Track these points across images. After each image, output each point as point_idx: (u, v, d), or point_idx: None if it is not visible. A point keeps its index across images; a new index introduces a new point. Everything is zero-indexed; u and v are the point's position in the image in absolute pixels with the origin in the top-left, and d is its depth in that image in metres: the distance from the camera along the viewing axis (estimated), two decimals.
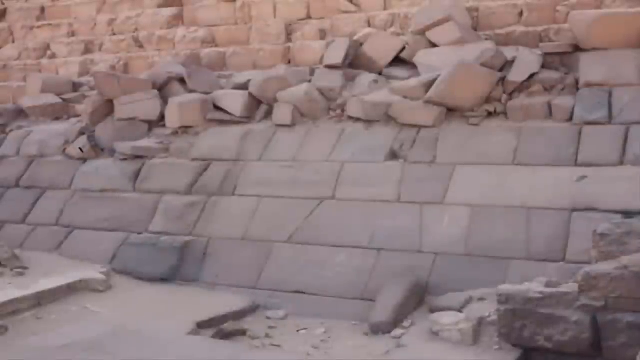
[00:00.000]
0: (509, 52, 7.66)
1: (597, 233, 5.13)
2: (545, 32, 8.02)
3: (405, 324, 5.96)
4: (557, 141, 6.77)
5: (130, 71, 10.59)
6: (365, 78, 8.16)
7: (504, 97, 7.34)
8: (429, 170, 7.06)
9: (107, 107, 9.12)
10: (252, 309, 6.62)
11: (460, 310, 5.63)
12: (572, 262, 5.92)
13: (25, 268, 7.44)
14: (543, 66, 7.45)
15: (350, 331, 6.13)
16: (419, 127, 7.40)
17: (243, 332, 6.12)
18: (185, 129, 8.62)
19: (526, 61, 7.46)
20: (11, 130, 9.94)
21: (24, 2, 12.10)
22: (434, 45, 8.16)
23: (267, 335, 6.12)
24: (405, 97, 7.59)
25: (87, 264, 7.60)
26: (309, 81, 8.44)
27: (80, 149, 8.93)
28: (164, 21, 10.64)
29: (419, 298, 6.27)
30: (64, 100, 10.29)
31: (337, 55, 8.39)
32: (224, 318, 6.27)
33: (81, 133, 9.10)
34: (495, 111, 7.29)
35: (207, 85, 9.06)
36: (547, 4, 8.12)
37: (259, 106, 8.48)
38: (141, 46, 10.81)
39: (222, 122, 8.49)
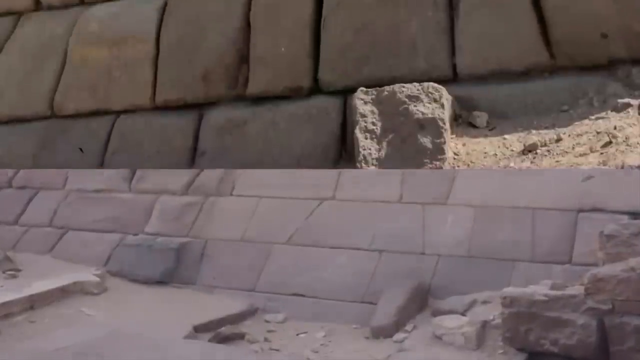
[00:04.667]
0: None
1: (603, 234, 5.06)
2: None
3: (408, 327, 5.87)
4: None
5: None
6: None
7: None
8: (432, 170, 6.97)
9: None
10: (251, 312, 6.55)
11: (463, 314, 5.55)
12: (578, 264, 5.83)
13: (18, 270, 7.37)
14: None
15: (351, 335, 6.05)
16: None
17: (241, 336, 6.02)
18: None
19: None
20: None
21: None
22: None
23: (266, 339, 6.03)
24: None
25: (81, 266, 7.53)
26: None
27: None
28: None
29: (421, 301, 6.18)
30: None
31: None
32: (222, 321, 6.19)
33: None
34: None
35: None
36: None
37: None
38: None
39: None
